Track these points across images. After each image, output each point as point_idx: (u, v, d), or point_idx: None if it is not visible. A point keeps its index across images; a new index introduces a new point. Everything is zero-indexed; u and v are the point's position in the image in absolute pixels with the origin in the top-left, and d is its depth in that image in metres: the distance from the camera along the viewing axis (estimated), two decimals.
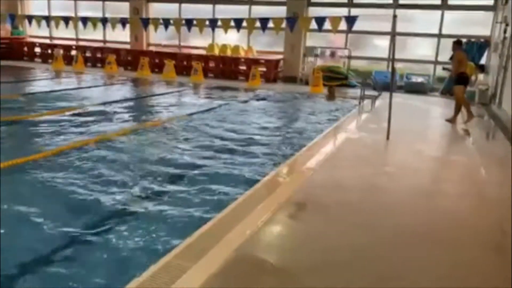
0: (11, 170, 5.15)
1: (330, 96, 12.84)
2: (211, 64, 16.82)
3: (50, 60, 18.22)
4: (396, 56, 7.40)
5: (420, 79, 14.45)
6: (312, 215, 4.10)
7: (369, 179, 5.18)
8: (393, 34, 7.73)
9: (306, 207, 4.24)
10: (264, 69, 15.88)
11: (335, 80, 14.25)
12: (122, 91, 13.12)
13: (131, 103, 10.93)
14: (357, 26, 12.40)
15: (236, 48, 16.78)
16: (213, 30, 15.87)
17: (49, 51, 18.82)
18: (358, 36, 15.57)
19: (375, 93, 11.30)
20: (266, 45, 16.94)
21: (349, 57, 15.13)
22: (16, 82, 13.87)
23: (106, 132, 7.39)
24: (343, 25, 12.48)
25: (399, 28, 7.76)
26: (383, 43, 15.27)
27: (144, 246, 3.58)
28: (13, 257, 3.29)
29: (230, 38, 16.73)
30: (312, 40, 16.04)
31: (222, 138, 7.34)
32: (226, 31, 14.10)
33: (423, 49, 15.18)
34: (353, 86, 13.99)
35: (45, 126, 7.71)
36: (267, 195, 4.45)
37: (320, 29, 12.53)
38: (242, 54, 16.79)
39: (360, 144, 7.04)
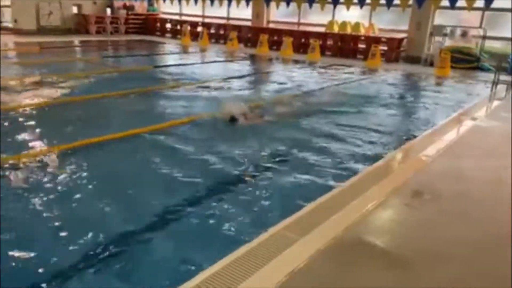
0: (139, 136, 5.72)
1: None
2: (329, 42, 16.57)
3: (178, 36, 19.58)
4: None
5: None
6: (426, 203, 3.91)
7: (494, 172, 4.73)
8: None
9: (421, 195, 4.05)
10: (385, 48, 15.17)
11: (464, 62, 13.09)
12: (241, 67, 13.61)
13: (248, 79, 11.30)
14: (496, 3, 11.13)
15: (356, 26, 16.26)
16: (334, 6, 15.57)
17: (178, 27, 20.22)
18: (495, 14, 13.96)
19: (510, 78, 10.14)
20: (389, 23, 16.11)
21: (484, 37, 13.69)
22: (149, 55, 15.21)
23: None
24: (479, 2, 11.30)
25: None
26: None
27: (257, 214, 3.76)
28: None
29: (351, 15, 16.25)
30: (441, 18, 14.83)
31: (332, 114, 7.29)
32: (348, 8, 13.72)
33: None
34: (486, 70, 12.70)
35: (173, 97, 8.39)
36: (381, 179, 4.35)
37: (452, 6, 11.53)
38: (362, 32, 16.22)
39: (487, 134, 6.43)
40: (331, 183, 4.39)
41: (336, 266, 2.78)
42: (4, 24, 19.14)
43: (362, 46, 15.86)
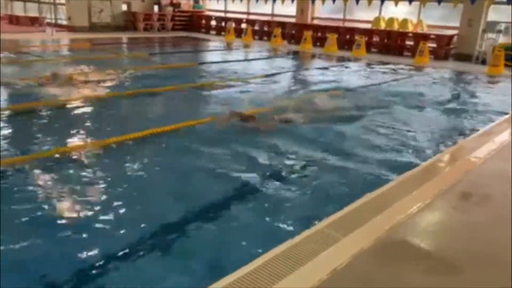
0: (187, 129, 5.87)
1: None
2: (375, 39, 16.23)
3: (223, 33, 19.80)
4: None
5: None
6: (475, 206, 3.77)
7: None
8: None
9: (469, 197, 3.92)
10: (434, 45, 14.68)
11: None
12: (284, 63, 13.59)
13: (290, 75, 11.26)
14: None
15: (404, 22, 15.83)
16: (382, 2, 15.23)
17: (223, 24, 20.44)
18: None
19: None
20: (439, 19, 15.57)
21: None
22: (194, 52, 15.49)
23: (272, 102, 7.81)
24: None
25: None
26: None
27: (299, 212, 3.78)
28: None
29: (398, 11, 15.85)
30: (495, 14, 14.16)
31: (376, 114, 7.13)
32: (396, 4, 13.39)
33: None
34: None
35: (216, 93, 8.52)
36: (428, 180, 4.24)
37: (509, 1, 10.96)
38: (410, 28, 15.77)
39: None
40: (375, 183, 4.33)
41: (379, 267, 2.75)
42: (59, 21, 20.06)
43: (409, 43, 15.43)
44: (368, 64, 13.52)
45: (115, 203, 3.72)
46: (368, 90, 9.49)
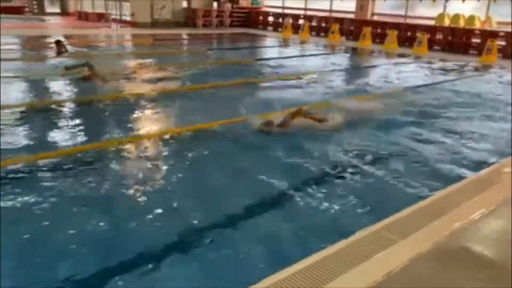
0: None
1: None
2: (438, 36, 15.59)
3: (280, 29, 19.82)
4: None
5: None
6: None
7: None
8: None
9: None
10: (503, 43, 13.86)
11: None
12: (341, 60, 13.39)
13: (346, 73, 11.08)
14: None
15: (471, 19, 15.07)
16: None
17: (280, 20, 20.45)
18: None
19: None
20: (509, 16, 14.67)
21: None
22: (251, 48, 15.64)
23: (327, 99, 7.75)
24: None
25: None
26: None
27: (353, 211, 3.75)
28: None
29: (464, 7, 15.11)
30: None
31: (436, 116, 6.87)
32: (464, 0, 12.76)
33: None
34: None
35: (271, 90, 8.57)
36: (491, 186, 4.04)
37: None
38: (477, 25, 14.99)
39: None
40: (434, 186, 4.20)
41: (437, 272, 2.69)
42: (124, 18, 20.97)
43: (476, 40, 14.67)
44: (430, 62, 13.02)
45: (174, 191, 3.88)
46: (429, 89, 9.15)
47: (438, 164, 4.88)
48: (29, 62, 10.06)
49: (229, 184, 4.18)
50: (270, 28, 21.06)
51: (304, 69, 11.00)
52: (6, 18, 21.31)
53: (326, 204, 3.79)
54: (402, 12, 17.31)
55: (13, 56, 10.96)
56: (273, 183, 4.15)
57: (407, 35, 16.05)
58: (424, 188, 4.19)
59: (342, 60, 13.48)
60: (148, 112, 6.55)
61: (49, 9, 24.97)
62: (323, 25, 18.94)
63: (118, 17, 21.00)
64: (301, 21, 19.43)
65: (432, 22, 16.03)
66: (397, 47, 15.29)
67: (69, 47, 11.53)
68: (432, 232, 3.12)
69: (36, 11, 24.20)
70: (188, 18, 20.69)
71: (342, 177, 4.42)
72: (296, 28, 18.91)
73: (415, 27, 16.07)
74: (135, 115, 6.28)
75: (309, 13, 20.27)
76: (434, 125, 6.41)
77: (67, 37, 14.64)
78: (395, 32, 15.60)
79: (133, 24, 19.38)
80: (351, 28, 17.84)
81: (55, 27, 19.93)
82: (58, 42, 11.15)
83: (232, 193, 3.97)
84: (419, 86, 9.33)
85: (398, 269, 2.64)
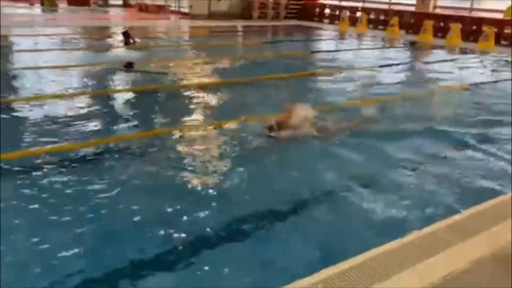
0: None
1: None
2: (507, 30, 14.66)
3: (336, 21, 19.47)
4: None
5: None
6: None
7: None
8: None
9: None
10: None
11: None
12: (399, 54, 12.95)
13: (402, 68, 10.71)
14: None
15: None
16: None
17: (337, 12, 20.08)
18: None
19: None
20: None
21: None
22: (306, 40, 15.50)
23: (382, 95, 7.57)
24: None
25: None
26: None
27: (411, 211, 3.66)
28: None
29: None
30: None
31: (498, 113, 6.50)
32: None
33: None
34: None
35: (325, 83, 8.48)
36: None
37: None
38: None
39: None
40: (495, 190, 4.01)
41: (500, 278, 2.57)
42: (182, 9, 21.46)
43: None
44: (497, 58, 12.30)
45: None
46: (493, 88, 8.65)
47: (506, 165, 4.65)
48: (95, 52, 10.55)
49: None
50: (326, 20, 20.72)
51: (360, 63, 10.78)
52: (74, 10, 22.50)
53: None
54: (468, 5, 16.45)
55: (79, 45, 11.58)
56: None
57: (471, 29, 15.24)
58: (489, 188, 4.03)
59: (400, 54, 13.04)
60: (209, 102, 6.69)
61: (112, 1, 26.03)
62: (382, 18, 18.38)
63: (176, 9, 21.54)
64: (358, 14, 18.98)
65: (500, 16, 15.12)
66: (460, 42, 14.57)
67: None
68: (495, 235, 2.99)
69: (100, 3, 25.31)
70: (243, 10, 20.80)
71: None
72: (353, 21, 18.49)
73: (481, 21, 15.23)
74: (193, 106, 6.45)
75: (367, 5, 19.75)
76: (501, 122, 6.08)
77: (129, 28, 15.20)
78: (459, 26, 14.86)
79: (191, 16, 19.77)
80: (411, 21, 17.18)
81: (117, 18, 20.75)
82: (125, 33, 11.60)
83: None
84: (483, 83, 8.85)
85: (456, 273, 2.56)
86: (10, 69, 8.36)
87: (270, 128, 4.97)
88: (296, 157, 4.65)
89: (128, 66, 8.36)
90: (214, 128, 5.35)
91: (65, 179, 3.89)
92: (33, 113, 5.70)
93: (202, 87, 7.50)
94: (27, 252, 2.90)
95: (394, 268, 2.57)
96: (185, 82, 7.92)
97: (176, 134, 5.10)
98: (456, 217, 3.28)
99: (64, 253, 2.86)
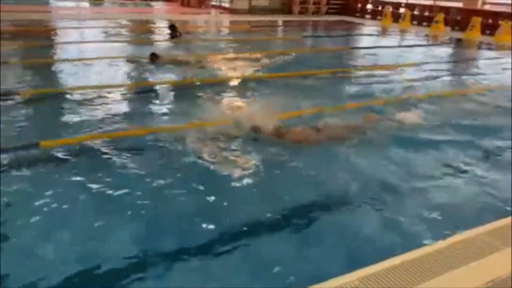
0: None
1: None
2: None
3: (379, 17, 19.05)
4: None
5: None
6: None
7: None
8: None
9: None
10: None
11: None
12: (443, 52, 12.51)
13: (447, 66, 10.34)
14: None
15: None
16: None
17: (380, 8, 19.64)
18: None
19: None
20: None
21: None
22: (347, 36, 15.26)
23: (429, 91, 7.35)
24: None
25: None
26: None
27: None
28: None
29: None
30: None
31: None
32: None
33: None
34: None
35: (361, 80, 8.33)
36: None
37: None
38: None
39: None
40: None
41: None
42: (222, 4, 21.61)
43: None
44: None
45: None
46: None
47: None
48: (141, 45, 10.78)
49: None
50: (368, 16, 20.32)
51: (402, 60, 10.52)
52: (118, 3, 23.12)
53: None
54: None
55: (122, 38, 11.90)
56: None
57: None
58: None
59: (445, 52, 12.62)
60: (252, 95, 6.75)
61: None
62: (426, 14, 17.83)
63: (217, 4, 21.71)
64: (402, 10, 18.49)
65: None
66: (510, 40, 13.93)
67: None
68: None
69: None
70: (284, 5, 20.71)
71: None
72: (396, 17, 18.04)
73: None
74: (229, 99, 6.52)
75: (411, 1, 19.20)
76: None
77: (171, 22, 15.47)
78: (510, 23, 14.20)
79: (231, 11, 19.88)
80: (458, 18, 16.57)
81: (160, 12, 21.16)
82: (172, 27, 11.82)
83: None
84: None
85: (502, 279, 2.47)
86: (57, 60, 8.71)
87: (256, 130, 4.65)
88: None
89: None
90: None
91: (118, 163, 4.07)
92: (94, 102, 5.92)
93: (245, 80, 7.53)
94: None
95: (436, 270, 2.51)
96: (223, 75, 7.99)
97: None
98: (502, 221, 3.16)
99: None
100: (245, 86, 7.27)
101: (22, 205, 3.34)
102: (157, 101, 6.32)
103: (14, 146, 4.26)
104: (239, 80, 7.73)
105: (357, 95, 7.07)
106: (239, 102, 6.38)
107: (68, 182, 3.70)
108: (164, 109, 5.91)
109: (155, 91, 6.87)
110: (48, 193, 3.48)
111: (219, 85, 7.37)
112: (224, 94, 6.78)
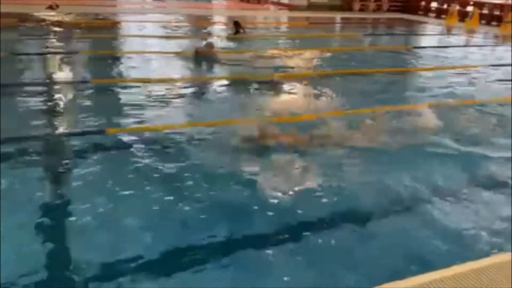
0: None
1: None
2: None
3: (443, 16, 18.27)
4: None
5: None
6: None
7: None
8: None
9: None
10: None
11: None
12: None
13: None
14: None
15: None
16: None
17: (445, 6, 18.82)
18: None
19: None
20: None
21: None
22: (409, 35, 14.78)
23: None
24: None
25: None
26: None
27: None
28: None
29: None
30: None
31: None
32: None
33: None
34: None
35: (429, 80, 8.05)
36: None
37: None
38: None
39: None
40: None
41: None
42: (281, 1, 21.60)
43: None
44: None
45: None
46: None
47: None
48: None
49: None
50: (432, 14, 19.53)
51: (467, 61, 10.05)
52: None
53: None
54: None
55: (181, 34, 12.21)
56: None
57: None
58: None
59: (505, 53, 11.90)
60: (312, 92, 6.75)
61: None
62: (497, 13, 16.87)
63: (276, 0, 21.73)
64: (469, 8, 17.61)
65: None
66: None
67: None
68: None
69: None
70: (344, 2, 20.35)
71: None
72: (462, 16, 17.21)
73: None
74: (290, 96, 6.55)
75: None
76: None
77: (230, 18, 15.71)
78: None
79: (290, 7, 19.84)
80: None
81: (220, 7, 21.52)
82: (236, 23, 11.98)
83: None
84: None
85: None
86: (120, 53, 9.13)
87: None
88: None
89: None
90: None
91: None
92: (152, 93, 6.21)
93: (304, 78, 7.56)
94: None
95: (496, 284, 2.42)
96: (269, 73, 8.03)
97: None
98: None
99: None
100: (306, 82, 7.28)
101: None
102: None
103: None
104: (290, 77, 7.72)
105: (408, 96, 6.90)
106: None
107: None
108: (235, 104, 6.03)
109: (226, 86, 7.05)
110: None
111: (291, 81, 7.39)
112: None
